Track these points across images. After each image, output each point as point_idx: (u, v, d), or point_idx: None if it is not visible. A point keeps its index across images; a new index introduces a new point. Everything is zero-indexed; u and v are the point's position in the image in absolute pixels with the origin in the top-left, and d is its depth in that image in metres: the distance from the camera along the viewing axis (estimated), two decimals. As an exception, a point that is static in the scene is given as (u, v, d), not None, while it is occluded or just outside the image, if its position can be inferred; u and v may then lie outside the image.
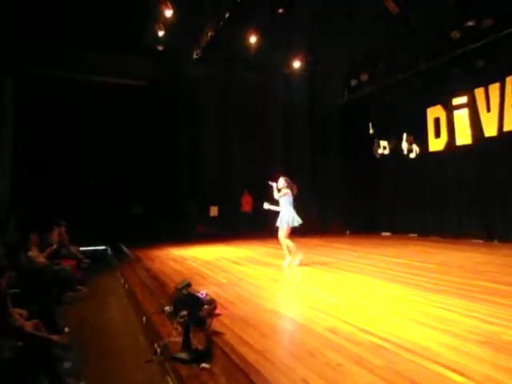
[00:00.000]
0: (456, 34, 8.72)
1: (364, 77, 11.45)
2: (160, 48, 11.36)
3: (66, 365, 3.80)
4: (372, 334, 3.23)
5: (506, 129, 8.59)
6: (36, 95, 11.44)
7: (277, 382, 2.51)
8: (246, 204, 12.87)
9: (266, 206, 6.95)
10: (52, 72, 11.61)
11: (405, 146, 11.04)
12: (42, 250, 6.78)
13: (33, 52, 11.15)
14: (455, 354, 2.76)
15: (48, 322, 3.89)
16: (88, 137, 12.08)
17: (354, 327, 3.44)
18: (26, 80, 11.29)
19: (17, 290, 4.78)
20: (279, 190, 6.83)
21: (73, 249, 8.49)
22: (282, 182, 6.86)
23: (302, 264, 6.68)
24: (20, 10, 9.82)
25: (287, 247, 6.81)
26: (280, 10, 10.01)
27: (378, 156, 12.11)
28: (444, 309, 3.86)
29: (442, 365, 2.60)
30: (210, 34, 10.70)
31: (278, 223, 6.80)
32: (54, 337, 3.58)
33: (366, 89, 11.63)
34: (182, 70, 12.60)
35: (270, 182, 6.97)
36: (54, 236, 7.85)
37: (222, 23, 10.09)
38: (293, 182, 6.96)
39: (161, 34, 10.55)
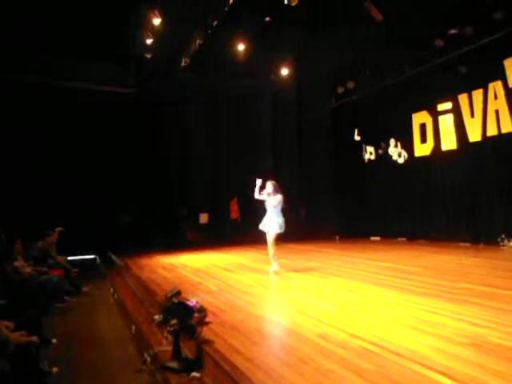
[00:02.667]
0: (439, 42, 8.91)
1: (350, 84, 11.60)
2: (148, 56, 11.37)
3: (54, 369, 3.77)
4: (362, 339, 3.26)
5: (489, 134, 8.76)
6: (21, 102, 11.33)
7: (267, 389, 2.52)
8: (233, 211, 12.87)
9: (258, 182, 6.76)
10: (35, 79, 11.51)
11: (394, 151, 11.18)
12: (27, 260, 6.69)
13: (13, 58, 11.05)
14: (443, 357, 2.79)
15: (35, 333, 3.84)
16: (76, 145, 12.00)
17: (344, 332, 3.46)
18: (7, 86, 11.15)
19: (3, 301, 4.71)
20: (267, 194, 6.69)
21: (60, 258, 8.39)
22: (270, 187, 6.69)
23: (284, 269, 6.58)
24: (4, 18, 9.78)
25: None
26: (267, 19, 10.12)
27: (365, 161, 12.24)
28: (432, 312, 3.91)
29: (430, 368, 2.64)
30: (198, 41, 10.76)
31: (266, 229, 6.66)
32: (34, 337, 3.54)
33: (353, 95, 11.77)
34: (171, 77, 12.61)
35: (257, 180, 6.78)
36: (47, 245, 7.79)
37: (210, 31, 10.15)
38: (279, 186, 6.84)
39: (149, 41, 10.57)
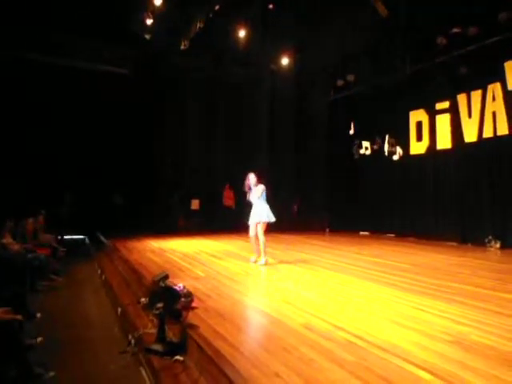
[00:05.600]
0: (442, 40, 8.86)
1: (350, 77, 11.53)
2: (147, 37, 11.18)
3: (38, 340, 3.76)
4: (346, 331, 3.28)
5: (485, 135, 8.79)
6: (20, 79, 11.10)
7: (250, 376, 2.52)
8: (228, 198, 12.84)
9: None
10: (32, 56, 11.28)
11: (386, 147, 11.17)
12: (15, 238, 6.65)
13: (10, 34, 10.80)
14: (425, 353, 2.82)
15: (20, 309, 3.81)
16: (69, 125, 11.83)
17: (329, 324, 3.48)
18: (6, 63, 10.91)
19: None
20: (248, 188, 6.74)
21: (48, 237, 8.33)
22: (253, 178, 6.72)
23: (274, 259, 6.56)
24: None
25: (257, 243, 6.71)
26: (270, 6, 9.98)
27: (356, 156, 12.20)
28: (417, 309, 3.95)
29: (412, 363, 2.66)
30: (198, 25, 10.59)
31: (254, 220, 6.66)
32: (18, 316, 3.50)
33: (352, 89, 11.71)
34: (169, 60, 12.43)
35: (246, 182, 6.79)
36: (34, 224, 7.72)
37: (211, 15, 10.00)
38: (261, 177, 6.87)
39: (149, 22, 10.38)
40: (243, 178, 6.85)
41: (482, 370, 2.56)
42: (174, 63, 12.50)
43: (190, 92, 13.17)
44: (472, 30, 8.24)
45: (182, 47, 11.71)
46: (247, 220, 6.83)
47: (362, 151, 12.16)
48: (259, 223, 6.63)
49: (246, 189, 6.75)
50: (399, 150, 10.86)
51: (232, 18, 10.34)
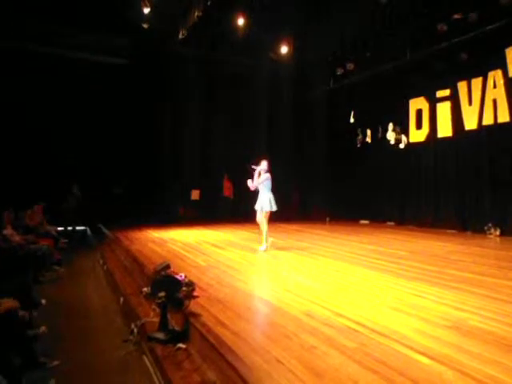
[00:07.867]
0: (443, 27, 8.77)
1: (350, 66, 11.43)
2: (145, 26, 11.06)
3: (41, 329, 3.79)
4: (346, 318, 3.32)
5: (485, 123, 8.77)
6: (13, 70, 11.01)
7: (252, 363, 2.56)
8: (226, 189, 12.86)
9: (250, 183, 6.95)
10: (32, 47, 11.17)
11: (392, 136, 11.13)
12: (16, 229, 6.68)
13: (9, 24, 10.69)
14: (424, 338, 2.86)
15: (24, 299, 3.84)
16: (68, 115, 11.76)
17: (329, 311, 3.52)
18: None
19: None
20: (259, 174, 6.88)
21: (50, 228, 8.37)
22: (264, 165, 6.87)
23: (274, 247, 6.68)
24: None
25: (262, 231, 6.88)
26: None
27: (358, 145, 12.19)
28: (416, 295, 3.99)
29: (411, 348, 2.70)
30: (196, 14, 10.47)
31: (259, 207, 6.86)
32: (21, 312, 3.51)
33: (352, 78, 11.63)
34: (167, 49, 12.32)
35: (253, 166, 6.97)
36: (32, 215, 7.74)
37: (209, 3, 9.88)
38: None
39: (146, 11, 10.26)
40: (242, 167, 6.92)
41: (481, 354, 2.61)
42: (173, 53, 12.39)
43: (189, 81, 13.07)
44: (473, 17, 8.15)
45: (180, 36, 11.61)
46: (246, 210, 6.91)
47: (361, 140, 12.13)
48: (263, 211, 6.80)
49: (256, 174, 6.85)
50: (404, 139, 10.82)
51: (231, 6, 10.22)
